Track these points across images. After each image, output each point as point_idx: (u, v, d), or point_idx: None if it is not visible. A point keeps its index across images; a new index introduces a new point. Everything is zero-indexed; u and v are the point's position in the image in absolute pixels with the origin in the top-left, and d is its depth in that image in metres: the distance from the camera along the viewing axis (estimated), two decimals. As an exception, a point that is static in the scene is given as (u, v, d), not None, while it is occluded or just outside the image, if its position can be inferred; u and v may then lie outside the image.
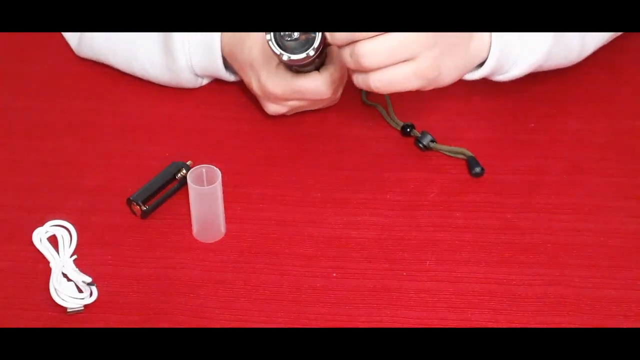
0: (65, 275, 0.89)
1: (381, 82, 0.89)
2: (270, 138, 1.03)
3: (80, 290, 0.88)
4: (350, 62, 0.89)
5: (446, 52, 0.91)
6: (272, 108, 1.01)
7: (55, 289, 0.87)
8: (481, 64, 0.97)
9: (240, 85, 1.07)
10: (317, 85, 0.97)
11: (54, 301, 0.87)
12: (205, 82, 1.07)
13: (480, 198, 0.96)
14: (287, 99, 0.99)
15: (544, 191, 0.97)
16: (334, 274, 0.90)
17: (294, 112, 1.03)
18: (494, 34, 0.96)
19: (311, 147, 1.02)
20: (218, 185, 0.91)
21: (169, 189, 0.96)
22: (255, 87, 0.99)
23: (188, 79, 1.05)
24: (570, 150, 1.01)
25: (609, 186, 0.97)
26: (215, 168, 0.91)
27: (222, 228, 0.94)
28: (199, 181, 0.91)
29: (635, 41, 1.13)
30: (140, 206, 0.94)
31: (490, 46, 0.96)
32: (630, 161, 1.00)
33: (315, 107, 1.03)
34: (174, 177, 0.97)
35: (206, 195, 0.91)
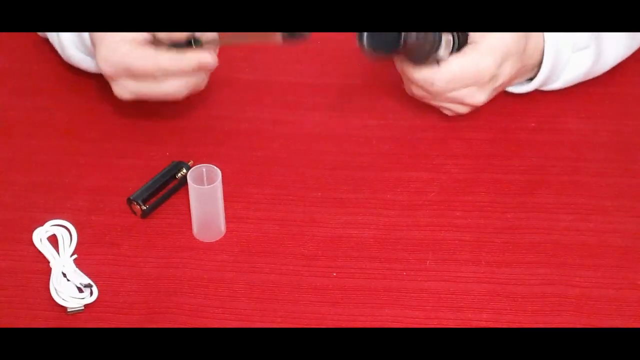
0: (65, 275, 0.89)
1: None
2: (270, 138, 1.03)
3: (80, 290, 0.88)
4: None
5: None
6: (115, 89, 0.97)
7: (55, 289, 0.87)
8: (531, 78, 1.03)
9: (241, 85, 1.07)
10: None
11: (54, 301, 0.87)
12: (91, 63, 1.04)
13: (480, 198, 0.96)
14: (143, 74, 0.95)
15: (544, 191, 0.97)
16: (334, 274, 0.90)
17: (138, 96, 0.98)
18: (546, 38, 0.99)
19: (311, 147, 1.02)
20: (218, 185, 0.91)
21: (169, 188, 0.96)
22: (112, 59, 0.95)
23: (73, 55, 1.04)
24: (570, 150, 1.01)
25: (609, 186, 0.97)
26: (215, 168, 0.91)
27: (222, 228, 0.94)
28: (199, 181, 0.91)
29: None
30: (140, 206, 0.94)
31: (544, 50, 0.99)
32: (630, 161, 1.00)
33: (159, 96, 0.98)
34: (174, 177, 0.97)
35: (206, 194, 0.91)
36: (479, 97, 0.98)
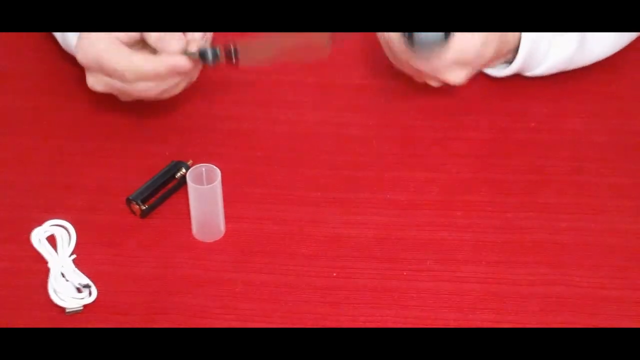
0: (64, 275, 0.89)
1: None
2: (270, 138, 1.03)
3: (79, 290, 0.88)
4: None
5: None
6: (89, 80, 0.98)
7: (54, 290, 0.87)
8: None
9: (241, 85, 1.07)
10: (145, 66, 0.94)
11: (53, 301, 0.87)
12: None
13: (480, 198, 0.96)
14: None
15: (544, 191, 0.97)
16: (334, 274, 0.90)
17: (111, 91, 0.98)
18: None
19: (311, 147, 1.02)
20: (218, 185, 0.91)
21: (169, 188, 0.96)
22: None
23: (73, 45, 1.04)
24: (570, 150, 1.01)
25: (609, 186, 0.97)
26: (215, 167, 0.91)
27: (222, 227, 0.94)
28: (199, 180, 0.91)
29: (635, 41, 1.12)
30: (139, 205, 0.94)
31: (521, 37, 1.00)
32: (630, 161, 1.00)
33: (128, 96, 0.98)
34: (173, 177, 0.97)
35: (206, 194, 0.91)
36: (459, 75, 0.98)
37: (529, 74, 1.05)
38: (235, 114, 1.05)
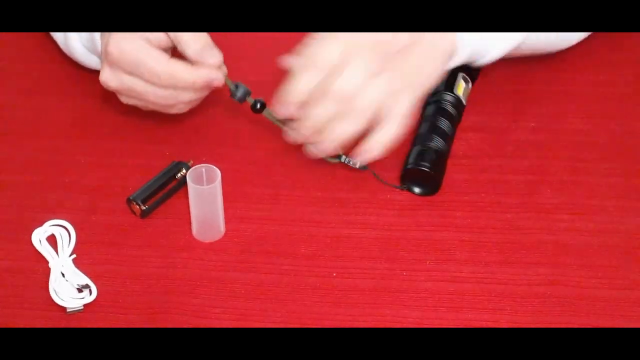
0: (64, 276, 0.89)
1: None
2: (270, 138, 1.03)
3: (79, 290, 0.88)
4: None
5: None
6: (106, 74, 0.96)
7: (55, 290, 0.87)
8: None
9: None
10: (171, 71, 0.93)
11: (53, 301, 0.87)
12: (94, 60, 1.05)
13: (480, 198, 0.96)
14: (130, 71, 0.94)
15: (544, 191, 0.97)
16: (334, 274, 0.90)
17: (128, 96, 0.97)
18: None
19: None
20: (218, 185, 0.91)
21: (169, 188, 0.96)
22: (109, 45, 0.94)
23: (76, 47, 1.04)
24: (570, 150, 1.01)
25: (609, 186, 0.97)
26: (215, 168, 0.91)
27: (222, 228, 0.94)
28: (199, 181, 0.91)
29: (636, 41, 1.13)
30: (140, 206, 0.94)
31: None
32: (630, 161, 1.00)
33: (149, 106, 0.97)
34: (173, 177, 0.97)
35: (206, 194, 0.91)
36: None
37: (482, 61, 1.00)
38: (236, 114, 1.05)
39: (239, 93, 0.95)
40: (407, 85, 0.92)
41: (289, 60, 0.92)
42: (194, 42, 0.93)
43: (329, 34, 0.91)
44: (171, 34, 0.93)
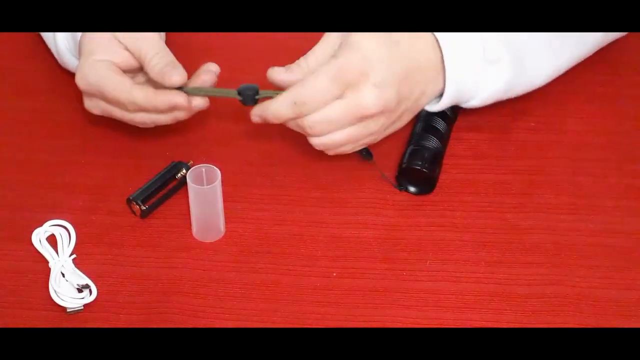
0: (64, 276, 0.89)
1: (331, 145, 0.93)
2: (270, 138, 1.03)
3: (79, 290, 0.88)
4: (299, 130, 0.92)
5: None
6: (86, 103, 0.97)
7: (55, 290, 0.87)
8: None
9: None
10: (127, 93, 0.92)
11: (53, 301, 0.87)
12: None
13: (480, 198, 0.96)
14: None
15: (544, 191, 0.97)
16: (334, 274, 0.90)
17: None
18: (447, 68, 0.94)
19: (311, 147, 1.02)
20: (218, 185, 0.91)
21: (169, 188, 0.96)
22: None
23: (69, 60, 1.04)
24: (570, 150, 1.01)
25: (609, 186, 0.97)
26: (215, 168, 0.91)
27: (222, 228, 0.94)
28: (199, 181, 0.91)
29: (636, 41, 1.13)
30: (140, 206, 0.94)
31: (446, 80, 0.94)
32: (630, 161, 1.00)
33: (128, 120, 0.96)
34: (173, 177, 0.97)
35: (206, 194, 0.91)
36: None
37: (467, 105, 0.99)
38: (235, 114, 1.05)
39: (248, 100, 0.94)
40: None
41: (281, 75, 0.93)
42: (157, 62, 0.92)
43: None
44: (136, 54, 0.93)
